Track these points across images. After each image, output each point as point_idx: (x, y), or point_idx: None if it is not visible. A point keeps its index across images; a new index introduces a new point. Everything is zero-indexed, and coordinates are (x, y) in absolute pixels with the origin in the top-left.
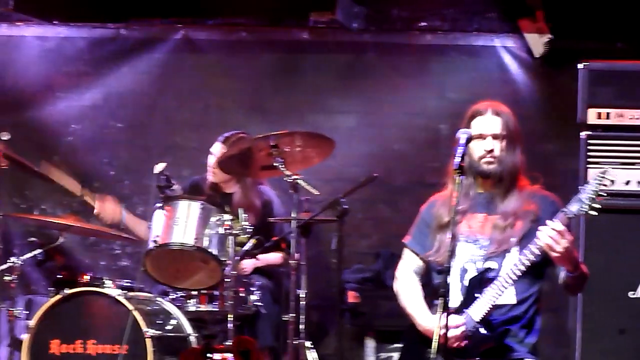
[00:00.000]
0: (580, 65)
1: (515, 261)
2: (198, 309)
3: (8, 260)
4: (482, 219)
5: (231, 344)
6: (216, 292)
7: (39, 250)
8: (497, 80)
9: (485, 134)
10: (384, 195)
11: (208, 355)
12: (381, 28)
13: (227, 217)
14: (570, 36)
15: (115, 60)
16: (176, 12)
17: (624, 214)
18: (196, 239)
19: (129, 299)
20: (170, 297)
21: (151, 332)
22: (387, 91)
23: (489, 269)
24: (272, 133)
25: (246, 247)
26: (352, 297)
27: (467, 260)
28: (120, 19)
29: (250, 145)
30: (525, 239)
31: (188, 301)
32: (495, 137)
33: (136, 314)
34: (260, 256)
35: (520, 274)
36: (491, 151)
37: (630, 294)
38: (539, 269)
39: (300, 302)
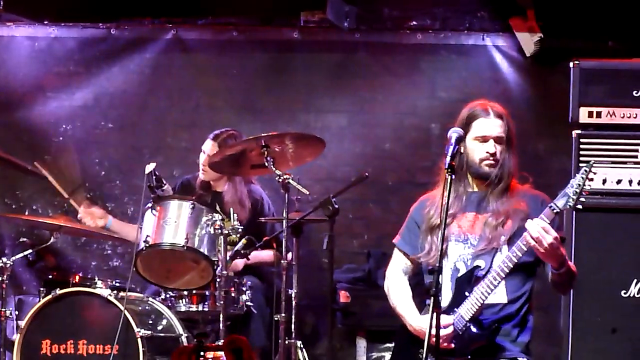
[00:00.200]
0: (571, 64)
1: (504, 258)
2: (189, 309)
3: None
4: (473, 218)
5: (223, 342)
6: (208, 292)
7: (30, 251)
8: (488, 79)
9: (488, 136)
10: (375, 195)
11: (200, 353)
12: (372, 27)
13: (217, 217)
14: (561, 35)
15: (106, 60)
16: (167, 11)
17: (615, 213)
18: (187, 239)
19: (120, 299)
20: (161, 297)
21: (142, 332)
22: (378, 90)
23: (477, 267)
24: (263, 134)
25: (237, 247)
26: (343, 296)
27: (457, 259)
28: (111, 18)
29: (242, 148)
30: (515, 237)
31: (179, 301)
32: (497, 139)
33: (127, 314)
34: (251, 254)
35: (509, 272)
36: (494, 154)
37: (622, 293)
38: (530, 268)
39: (292, 302)
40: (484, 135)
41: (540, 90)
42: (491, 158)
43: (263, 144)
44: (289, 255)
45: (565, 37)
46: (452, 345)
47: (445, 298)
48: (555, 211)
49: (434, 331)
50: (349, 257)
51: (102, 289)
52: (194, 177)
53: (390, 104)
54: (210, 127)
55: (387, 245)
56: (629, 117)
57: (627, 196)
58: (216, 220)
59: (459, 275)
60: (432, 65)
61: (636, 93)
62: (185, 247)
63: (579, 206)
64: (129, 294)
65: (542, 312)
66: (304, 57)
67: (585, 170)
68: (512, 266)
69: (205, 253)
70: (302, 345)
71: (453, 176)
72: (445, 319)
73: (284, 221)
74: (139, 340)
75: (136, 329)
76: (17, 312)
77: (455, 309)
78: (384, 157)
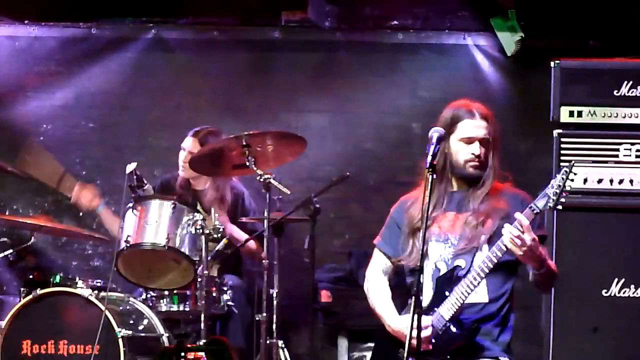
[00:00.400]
0: (552, 64)
1: (484, 258)
2: (170, 309)
3: None
4: (453, 218)
5: (203, 343)
6: (189, 292)
7: (10, 251)
8: (469, 78)
9: (474, 137)
10: (357, 195)
11: (181, 354)
12: (353, 27)
13: (199, 216)
14: (542, 34)
15: (86, 60)
16: (148, 11)
17: (596, 212)
18: (168, 239)
19: (100, 299)
20: (142, 297)
21: (123, 332)
22: (359, 90)
23: (458, 267)
24: (244, 133)
25: (218, 247)
26: (324, 296)
27: (438, 259)
28: (92, 18)
29: (222, 146)
30: (495, 236)
31: (160, 301)
32: (482, 141)
33: (108, 314)
34: (237, 230)
35: (489, 272)
36: (479, 156)
37: (603, 292)
38: (511, 266)
39: (273, 302)
40: (469, 137)
41: (521, 89)
42: (476, 160)
43: (244, 143)
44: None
45: (546, 36)
46: (431, 347)
47: (426, 298)
48: (535, 212)
49: (414, 332)
50: (330, 257)
51: (82, 289)
52: (173, 177)
53: (372, 103)
54: (191, 126)
55: (369, 245)
56: (610, 117)
57: (608, 195)
58: (197, 220)
59: (440, 275)
60: (413, 65)
61: (617, 92)
62: (166, 247)
63: (559, 207)
64: (110, 294)
65: (524, 311)
66: (285, 57)
67: (566, 171)
68: (492, 266)
69: (187, 253)
70: (283, 345)
71: (434, 175)
72: (424, 320)
73: (265, 221)
74: (120, 340)
75: (117, 329)
76: None
77: (436, 309)
78: (365, 156)
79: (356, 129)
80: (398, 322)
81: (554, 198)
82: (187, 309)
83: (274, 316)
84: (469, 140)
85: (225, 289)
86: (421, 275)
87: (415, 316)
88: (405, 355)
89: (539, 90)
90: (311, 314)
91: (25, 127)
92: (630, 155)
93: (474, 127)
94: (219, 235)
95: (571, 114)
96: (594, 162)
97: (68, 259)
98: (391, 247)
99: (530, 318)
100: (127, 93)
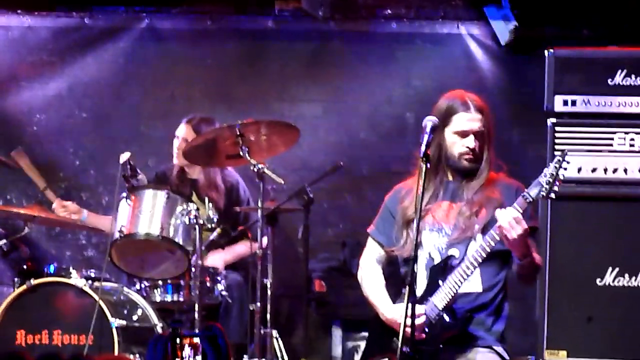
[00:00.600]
0: (546, 53)
1: (478, 247)
2: (164, 299)
3: None
4: (447, 207)
5: (199, 329)
6: (182, 282)
7: (4, 241)
8: (463, 68)
9: (468, 131)
10: (350, 184)
11: (177, 340)
12: (346, 16)
13: (192, 206)
14: (536, 24)
15: (79, 50)
16: (141, 0)
17: (590, 202)
18: (162, 229)
19: (94, 289)
20: (136, 287)
21: (117, 322)
22: (352, 79)
23: (451, 257)
24: (238, 122)
25: (212, 237)
26: (318, 286)
27: (432, 248)
28: (85, 8)
29: (216, 135)
30: (489, 226)
31: (154, 291)
32: (476, 134)
33: (102, 304)
34: (228, 250)
35: (482, 261)
36: (473, 149)
37: (598, 282)
38: (505, 256)
39: (267, 292)
40: (464, 130)
41: (515, 78)
42: (470, 153)
43: (238, 132)
44: (264, 240)
45: (540, 25)
46: (424, 335)
47: (420, 287)
48: (528, 200)
49: (408, 321)
50: (324, 247)
51: (76, 279)
52: (168, 168)
53: (365, 93)
54: (184, 116)
55: (362, 234)
56: (604, 106)
57: (602, 184)
58: (191, 210)
59: (434, 264)
60: (407, 54)
61: (611, 81)
62: (160, 237)
63: (552, 195)
64: (103, 284)
65: (518, 301)
66: (278, 46)
67: (559, 160)
68: (485, 255)
69: (180, 243)
70: (277, 335)
71: (428, 165)
72: (418, 308)
73: (259, 210)
74: (114, 330)
75: (111, 319)
76: None
77: (429, 298)
78: (358, 146)
79: (350, 119)
80: (392, 311)
81: (547, 187)
82: (181, 299)
83: (268, 306)
84: (464, 134)
85: (219, 279)
86: (415, 265)
87: (409, 306)
88: (400, 343)
89: (533, 80)
90: (305, 303)
91: (18, 117)
92: (624, 144)
93: (469, 120)
94: (213, 225)
95: (565, 103)
96: (588, 151)
97: (62, 249)
98: (385, 236)
99: (525, 307)
100: (121, 83)
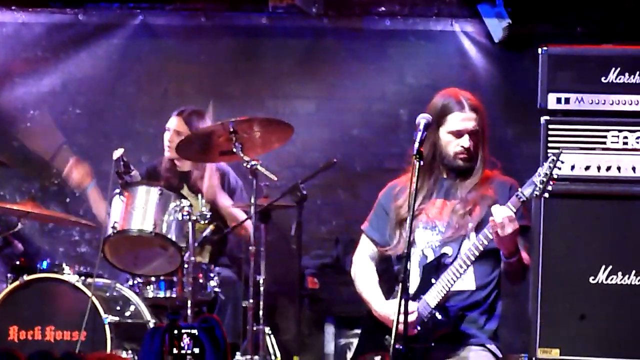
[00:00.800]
0: (539, 50)
1: (471, 245)
2: (157, 295)
3: None
4: (440, 205)
5: (196, 320)
6: (175, 279)
7: None
8: (456, 65)
9: (463, 130)
10: (343, 181)
11: (174, 331)
12: (340, 13)
13: (185, 202)
14: (529, 21)
15: (73, 46)
16: None
17: (583, 199)
18: (155, 225)
19: (87, 285)
20: (129, 283)
21: (110, 318)
22: (346, 76)
23: (444, 255)
24: (231, 119)
25: (205, 233)
26: (311, 282)
27: (425, 246)
28: (79, 4)
29: (209, 131)
30: (483, 224)
31: (147, 287)
32: (471, 133)
33: (95, 300)
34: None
35: (475, 259)
36: (468, 148)
37: (591, 280)
38: (498, 254)
39: (260, 288)
40: (459, 130)
41: (509, 76)
42: (465, 152)
43: (231, 129)
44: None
45: (533, 23)
46: (415, 332)
47: (413, 285)
48: (522, 200)
49: (401, 318)
50: (317, 243)
51: (69, 275)
52: (158, 162)
53: (359, 89)
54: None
55: (356, 231)
56: (598, 104)
57: (595, 182)
58: (184, 206)
59: (426, 262)
60: (401, 51)
61: (605, 79)
62: (153, 233)
63: (546, 195)
64: (96, 280)
65: (511, 298)
66: (272, 43)
67: (553, 159)
68: (478, 254)
69: (173, 239)
70: (270, 332)
71: (421, 162)
72: (410, 306)
73: (252, 207)
74: (107, 326)
75: (104, 316)
76: None
77: (422, 296)
78: (352, 143)
79: (343, 116)
80: (384, 307)
81: (541, 186)
82: (173, 295)
83: (261, 302)
84: (459, 133)
85: (212, 275)
86: (408, 262)
87: (402, 303)
88: (393, 340)
89: (526, 77)
90: (298, 300)
91: (12, 113)
92: (617, 142)
93: (464, 119)
94: (206, 221)
95: (558, 100)
96: (581, 149)
97: (55, 245)
98: (379, 233)
99: (518, 305)
100: (114, 79)
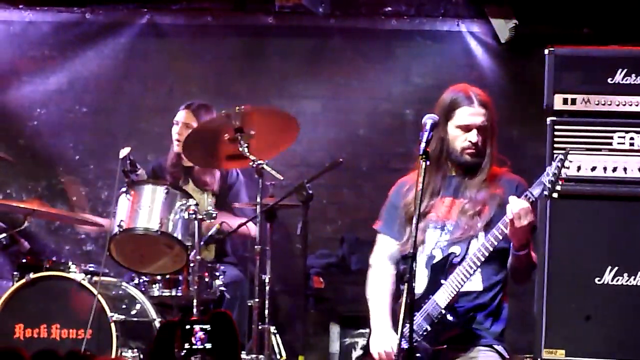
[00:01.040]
0: (546, 51)
1: (480, 245)
2: (162, 294)
3: None
4: (449, 203)
5: (207, 315)
6: (181, 277)
7: (3, 235)
8: (463, 65)
9: (471, 125)
10: (349, 181)
11: (186, 327)
12: (347, 13)
13: (192, 201)
14: (536, 22)
15: (80, 45)
16: None
17: (589, 200)
18: (161, 224)
19: (93, 283)
20: (134, 281)
21: (116, 316)
22: (352, 76)
23: (452, 254)
24: (236, 108)
25: (211, 232)
26: (316, 282)
27: (434, 246)
28: (86, 3)
29: (216, 124)
30: (492, 223)
31: (152, 286)
32: (479, 128)
33: (101, 298)
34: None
35: (484, 259)
36: (476, 143)
37: (596, 280)
38: (505, 256)
39: (265, 287)
40: (467, 124)
41: (515, 76)
42: (473, 147)
43: (236, 123)
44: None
45: (540, 23)
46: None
47: (421, 285)
48: (530, 200)
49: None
50: (322, 243)
51: (75, 274)
52: (164, 160)
53: (365, 89)
54: (175, 111)
55: (361, 230)
56: (604, 105)
57: (601, 183)
58: (190, 205)
59: (434, 262)
60: (407, 51)
61: (611, 80)
62: (159, 232)
63: (555, 195)
64: (102, 278)
65: (516, 299)
66: (278, 43)
67: (561, 159)
68: (487, 254)
69: (179, 238)
70: (275, 331)
71: (428, 162)
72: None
73: (258, 206)
74: (112, 325)
75: (109, 314)
76: None
77: (431, 296)
78: (358, 142)
79: (349, 115)
80: (382, 339)
81: (550, 186)
82: (179, 294)
83: (266, 302)
84: (467, 128)
85: (217, 274)
86: (414, 263)
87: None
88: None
89: (533, 78)
90: (303, 299)
91: (19, 112)
92: (624, 144)
93: (472, 114)
94: (212, 220)
95: (565, 101)
96: (587, 149)
97: (61, 243)
98: (393, 230)
99: (523, 306)
100: (121, 78)
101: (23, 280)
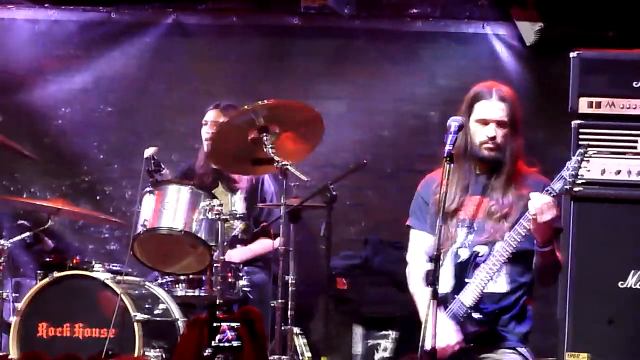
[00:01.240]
0: (571, 54)
1: (503, 243)
2: (186, 294)
3: None
4: (477, 202)
5: (236, 312)
6: (204, 277)
7: (27, 233)
8: (488, 67)
9: (489, 119)
10: (373, 182)
11: (213, 324)
12: (372, 14)
13: (216, 202)
14: (562, 24)
15: (105, 44)
16: None
17: (614, 204)
18: (185, 224)
19: (117, 282)
20: (158, 281)
21: (139, 316)
22: (377, 77)
23: (477, 253)
24: (259, 103)
25: (234, 232)
26: (340, 283)
27: (460, 245)
28: (112, 2)
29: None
30: (517, 223)
31: (176, 286)
32: (498, 123)
33: (125, 298)
34: (250, 247)
35: (508, 257)
36: (493, 138)
37: (620, 284)
38: (530, 258)
39: (289, 288)
40: (484, 118)
41: (540, 79)
42: (490, 142)
43: (260, 121)
44: (277, 240)
45: (565, 26)
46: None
47: (447, 283)
48: (552, 194)
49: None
50: (346, 244)
51: (99, 273)
52: (193, 162)
53: (389, 91)
54: (204, 112)
55: (385, 232)
56: (629, 108)
57: (625, 187)
58: (214, 205)
59: (460, 260)
60: (432, 53)
61: (636, 84)
62: (182, 232)
63: (577, 188)
64: (126, 278)
65: (539, 301)
66: (303, 43)
67: (581, 153)
68: (511, 251)
69: (203, 238)
70: (299, 332)
71: (452, 165)
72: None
73: (282, 207)
74: (136, 324)
75: (133, 313)
76: (14, 295)
77: (456, 296)
78: (382, 144)
79: (373, 117)
80: (440, 329)
81: (570, 180)
82: (203, 294)
83: (290, 303)
84: (484, 122)
85: (241, 274)
86: (438, 264)
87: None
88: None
89: (558, 81)
90: (326, 300)
91: (44, 111)
92: None
93: (489, 108)
94: (236, 220)
95: (590, 105)
96: (612, 153)
97: (85, 242)
98: (427, 224)
99: (547, 308)
100: (146, 77)
101: (47, 279)
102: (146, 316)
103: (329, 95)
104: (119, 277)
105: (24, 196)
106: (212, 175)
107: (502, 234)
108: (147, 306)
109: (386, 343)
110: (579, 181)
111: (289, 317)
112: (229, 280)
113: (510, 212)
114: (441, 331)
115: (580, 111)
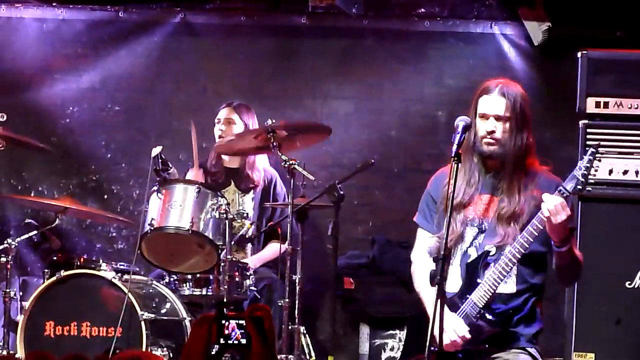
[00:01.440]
0: (579, 54)
1: (515, 243)
2: (193, 293)
3: (4, 242)
4: (487, 201)
5: (246, 310)
6: (212, 277)
7: (35, 232)
8: (495, 67)
9: (488, 114)
10: (381, 182)
11: (222, 322)
12: (380, 14)
13: (223, 201)
14: (569, 24)
15: (113, 43)
16: None
17: (621, 204)
18: (192, 223)
19: (124, 282)
20: (165, 280)
21: (146, 315)
22: (385, 77)
23: (487, 253)
24: (268, 125)
25: (242, 232)
26: (347, 283)
27: (469, 245)
28: (119, 1)
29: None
30: (528, 225)
31: (183, 285)
32: (498, 118)
33: (131, 297)
34: (261, 256)
35: (520, 257)
36: (492, 132)
37: (627, 284)
38: (542, 259)
39: (296, 288)
40: (484, 112)
41: (548, 79)
42: (489, 137)
43: (269, 130)
44: (284, 246)
45: (573, 26)
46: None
47: (455, 283)
48: (564, 195)
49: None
50: (353, 244)
51: (106, 272)
52: (205, 159)
53: (397, 90)
54: (216, 111)
55: (392, 232)
56: (636, 108)
57: (633, 187)
58: (222, 205)
59: (469, 260)
60: (440, 53)
61: None
62: (190, 231)
63: (589, 188)
64: (133, 277)
65: (547, 301)
66: (311, 43)
67: (592, 152)
68: (523, 251)
69: (210, 237)
70: (305, 331)
71: (459, 164)
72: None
73: (289, 206)
74: (142, 323)
75: (140, 312)
76: (21, 293)
77: (467, 296)
78: (390, 143)
79: (381, 116)
80: (448, 324)
81: (582, 180)
82: (209, 293)
83: (296, 302)
84: (484, 116)
85: (248, 274)
86: (445, 263)
87: (439, 306)
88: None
89: (566, 80)
90: (333, 300)
91: (51, 110)
92: None
93: (489, 103)
94: (243, 219)
95: (597, 104)
96: (619, 153)
97: (92, 241)
98: (432, 223)
99: (554, 309)
100: (153, 77)
101: (54, 278)
102: (153, 315)
103: (337, 95)
104: (125, 276)
105: (32, 195)
106: (224, 175)
107: (514, 237)
108: (153, 305)
109: (393, 343)
110: (591, 180)
111: (296, 316)
112: (236, 279)
113: (521, 214)
114: (448, 327)
115: (587, 111)
